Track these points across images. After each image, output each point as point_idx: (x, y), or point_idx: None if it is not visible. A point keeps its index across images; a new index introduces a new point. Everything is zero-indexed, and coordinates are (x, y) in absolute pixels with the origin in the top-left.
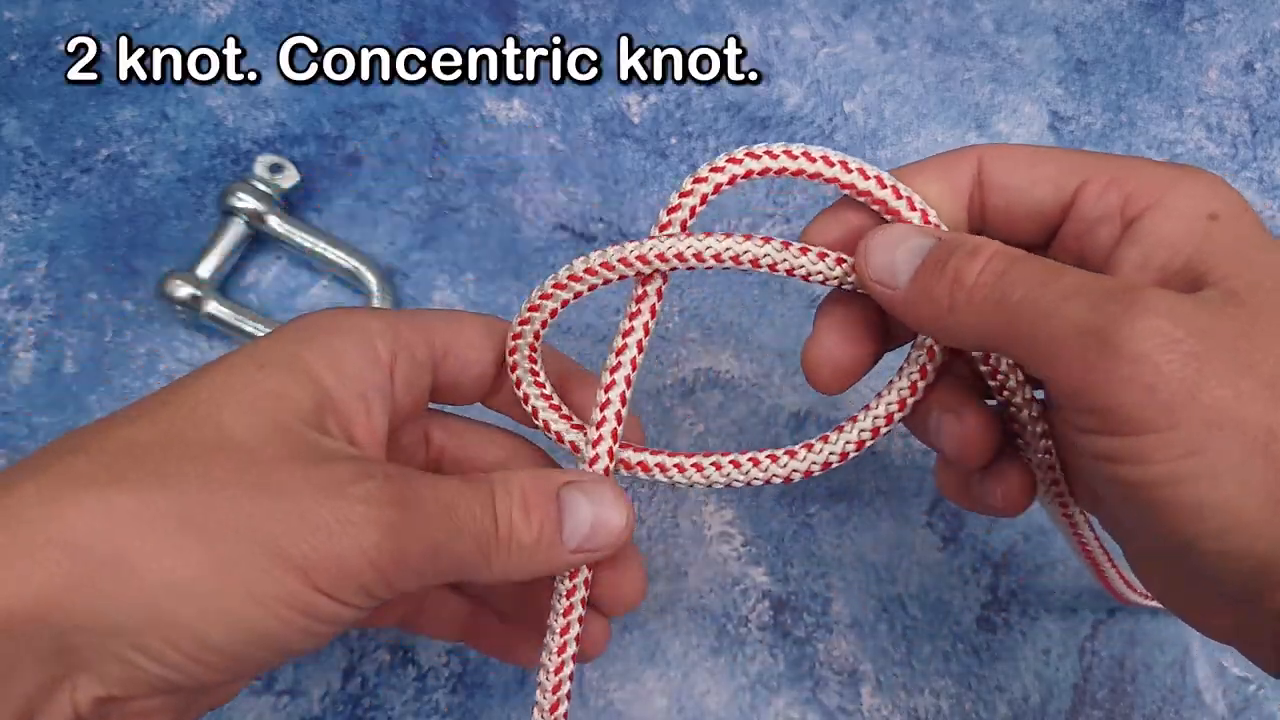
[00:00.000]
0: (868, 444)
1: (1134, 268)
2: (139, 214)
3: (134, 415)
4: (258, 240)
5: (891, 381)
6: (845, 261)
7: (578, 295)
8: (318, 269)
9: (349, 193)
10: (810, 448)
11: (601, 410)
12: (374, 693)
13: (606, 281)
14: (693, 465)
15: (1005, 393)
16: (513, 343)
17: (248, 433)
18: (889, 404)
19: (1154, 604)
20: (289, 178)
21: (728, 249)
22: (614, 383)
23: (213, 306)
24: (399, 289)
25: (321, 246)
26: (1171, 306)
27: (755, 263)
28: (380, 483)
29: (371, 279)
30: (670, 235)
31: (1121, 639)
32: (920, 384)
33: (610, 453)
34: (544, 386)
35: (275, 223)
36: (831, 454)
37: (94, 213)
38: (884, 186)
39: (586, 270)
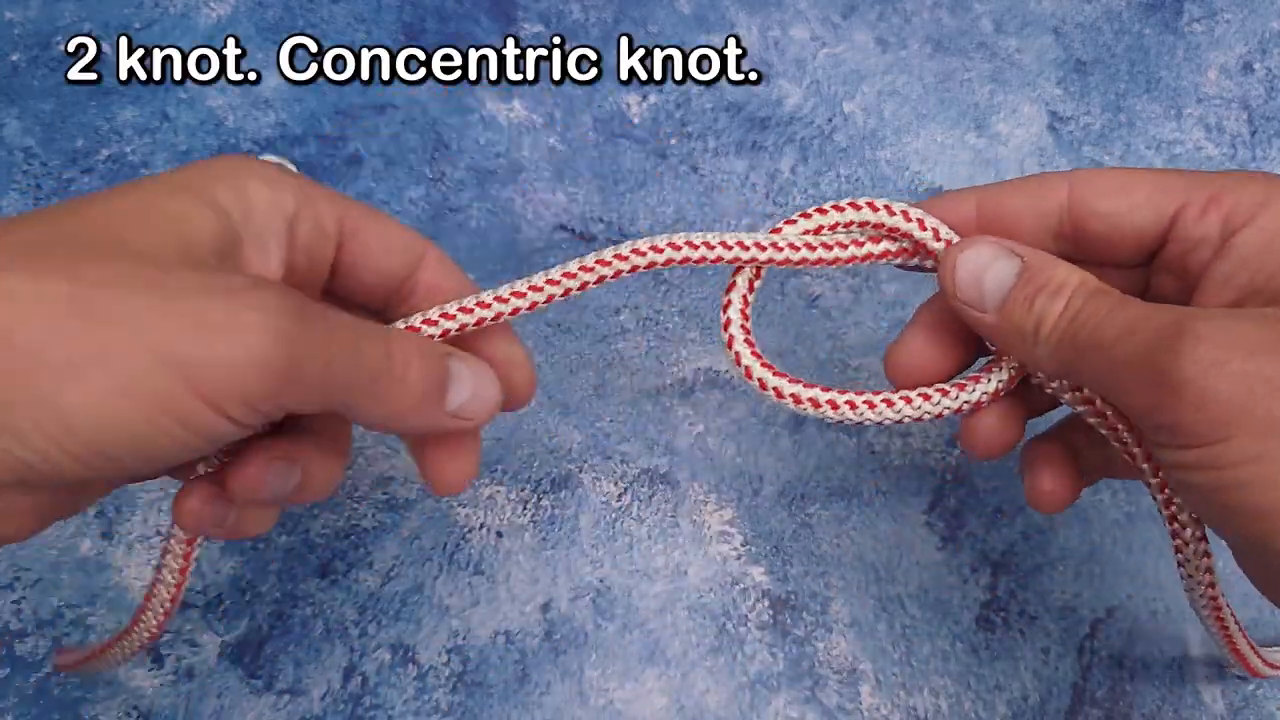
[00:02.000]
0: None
1: (1217, 286)
2: None
3: (33, 219)
4: None
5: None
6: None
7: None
8: None
9: (349, 193)
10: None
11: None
12: (374, 692)
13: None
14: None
15: (1112, 428)
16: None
17: (148, 246)
18: (995, 382)
19: None
20: None
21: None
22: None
23: None
24: None
25: None
26: (1219, 331)
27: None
28: (279, 294)
29: None
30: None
31: (1120, 638)
32: (1002, 390)
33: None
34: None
35: None
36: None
37: None
38: (939, 239)
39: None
